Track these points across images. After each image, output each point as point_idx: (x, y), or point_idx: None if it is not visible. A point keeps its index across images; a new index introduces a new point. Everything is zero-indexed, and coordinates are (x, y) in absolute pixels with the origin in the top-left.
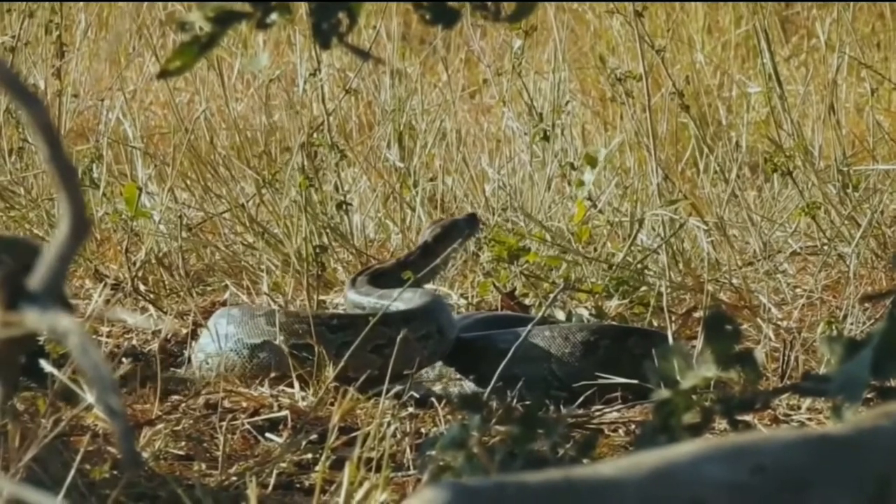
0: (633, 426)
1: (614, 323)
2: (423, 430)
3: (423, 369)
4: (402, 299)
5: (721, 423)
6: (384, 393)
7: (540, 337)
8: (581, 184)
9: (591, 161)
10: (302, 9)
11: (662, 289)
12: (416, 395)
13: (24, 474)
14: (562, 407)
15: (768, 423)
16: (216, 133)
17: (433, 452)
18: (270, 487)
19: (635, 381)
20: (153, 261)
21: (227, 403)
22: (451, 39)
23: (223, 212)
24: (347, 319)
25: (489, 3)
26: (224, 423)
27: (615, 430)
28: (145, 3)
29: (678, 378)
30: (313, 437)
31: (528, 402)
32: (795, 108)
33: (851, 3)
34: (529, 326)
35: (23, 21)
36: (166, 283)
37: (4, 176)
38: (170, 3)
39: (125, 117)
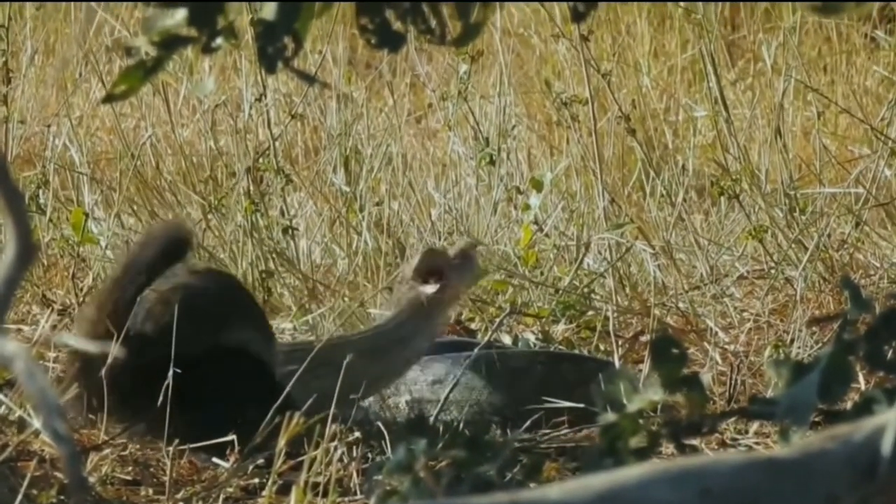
0: (579, 450)
1: (547, 349)
2: (369, 455)
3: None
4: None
5: (668, 448)
6: (330, 418)
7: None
8: (527, 208)
9: (538, 185)
10: (248, 34)
11: (609, 313)
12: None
13: None
14: (508, 431)
15: (715, 446)
16: (162, 158)
17: (380, 476)
18: None
19: (582, 406)
20: (100, 286)
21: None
22: (396, 64)
23: None
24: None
25: (434, 27)
26: (171, 448)
27: (562, 454)
28: (92, 29)
29: (625, 401)
30: (260, 461)
31: (474, 426)
32: (742, 132)
33: (798, 27)
34: (475, 352)
35: None
36: None
37: None
38: (116, 29)
39: (72, 143)
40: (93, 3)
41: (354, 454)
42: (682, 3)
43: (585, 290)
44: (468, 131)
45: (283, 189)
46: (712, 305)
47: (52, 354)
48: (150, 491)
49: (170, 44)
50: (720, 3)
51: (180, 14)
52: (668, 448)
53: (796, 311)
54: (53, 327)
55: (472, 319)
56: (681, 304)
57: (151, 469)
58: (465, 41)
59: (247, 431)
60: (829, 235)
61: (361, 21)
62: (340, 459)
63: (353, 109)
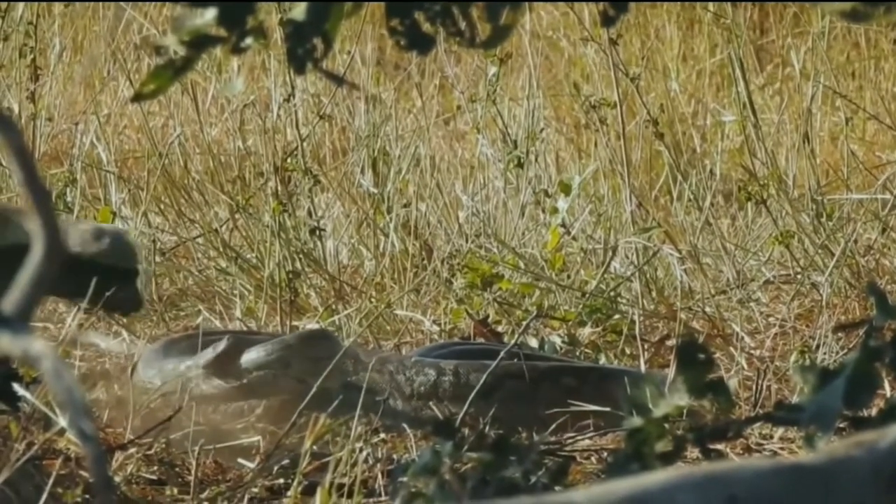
0: (605, 454)
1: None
2: (395, 456)
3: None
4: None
5: (693, 452)
6: (356, 419)
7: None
8: (555, 211)
9: (565, 188)
10: (277, 34)
11: (635, 317)
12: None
13: None
14: (534, 434)
15: (741, 451)
16: (190, 157)
17: (405, 479)
18: None
19: (608, 409)
20: None
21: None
22: (425, 65)
23: (197, 236)
24: None
25: (464, 29)
26: (196, 448)
27: (587, 458)
28: (120, 27)
29: (651, 406)
30: (285, 462)
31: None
32: (770, 137)
33: (827, 33)
34: (498, 359)
35: None
36: None
37: None
38: (144, 28)
39: (99, 141)
40: (122, 3)
41: (380, 455)
42: (710, 7)
43: (612, 293)
44: (496, 134)
45: (310, 190)
46: (738, 310)
47: (78, 353)
48: (175, 490)
49: (199, 43)
50: (749, 8)
51: (210, 14)
52: (693, 453)
53: (822, 317)
54: (80, 326)
55: (498, 322)
56: (707, 309)
57: (177, 469)
58: (494, 43)
59: None
60: (855, 241)
61: (391, 23)
62: (366, 461)
63: (382, 111)
